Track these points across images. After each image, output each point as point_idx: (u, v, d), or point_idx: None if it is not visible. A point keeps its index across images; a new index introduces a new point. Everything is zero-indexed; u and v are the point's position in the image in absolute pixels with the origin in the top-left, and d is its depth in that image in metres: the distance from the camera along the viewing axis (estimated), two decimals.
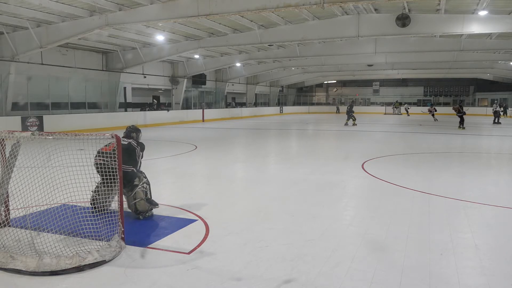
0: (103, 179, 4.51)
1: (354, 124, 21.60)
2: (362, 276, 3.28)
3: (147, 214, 4.82)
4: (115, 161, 4.15)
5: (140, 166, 4.98)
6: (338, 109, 40.84)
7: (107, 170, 4.26)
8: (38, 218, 4.14)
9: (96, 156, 4.57)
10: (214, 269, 3.40)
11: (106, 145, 4.67)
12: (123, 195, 4.46)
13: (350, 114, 22.12)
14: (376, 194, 6.36)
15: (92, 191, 4.52)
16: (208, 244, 3.97)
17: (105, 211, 4.25)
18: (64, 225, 4.00)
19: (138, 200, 4.72)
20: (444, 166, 8.95)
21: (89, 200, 4.68)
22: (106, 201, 4.57)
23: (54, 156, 3.91)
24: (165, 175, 8.01)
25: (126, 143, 4.85)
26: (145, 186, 4.81)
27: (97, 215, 4.23)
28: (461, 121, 20.06)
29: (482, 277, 3.31)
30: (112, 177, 4.20)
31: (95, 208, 4.60)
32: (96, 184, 4.60)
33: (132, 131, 5.14)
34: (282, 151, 12.49)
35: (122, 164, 4.25)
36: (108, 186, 4.46)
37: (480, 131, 18.09)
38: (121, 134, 4.30)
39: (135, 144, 4.94)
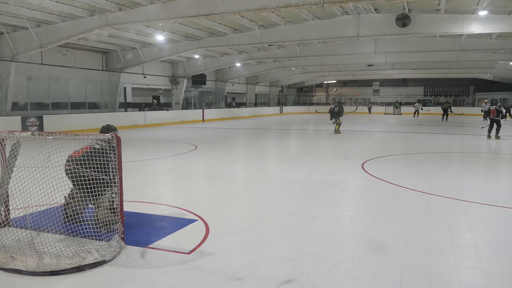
0: (74, 186, 4.18)
1: (336, 131, 17.10)
2: (362, 276, 3.28)
3: (109, 226, 4.03)
4: (84, 167, 3.97)
5: (115, 173, 4.18)
6: (369, 110, 39.09)
7: (75, 177, 4.01)
8: (38, 218, 4.13)
9: (66, 162, 4.14)
10: (214, 269, 3.40)
11: (76, 150, 4.26)
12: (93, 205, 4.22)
13: (337, 116, 17.08)
14: (376, 194, 6.36)
15: (65, 196, 4.24)
16: (208, 244, 3.97)
17: (77, 220, 4.02)
18: (64, 225, 4.00)
19: (100, 208, 4.17)
20: (444, 166, 8.95)
21: (61, 207, 4.30)
22: (78, 209, 4.25)
23: (54, 156, 3.91)
24: (165, 175, 8.01)
25: (98, 146, 4.21)
26: (113, 196, 4.18)
27: (70, 223, 4.01)
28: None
29: (482, 277, 3.31)
30: (82, 184, 3.92)
31: (66, 216, 4.16)
32: (70, 190, 4.28)
33: (107, 131, 4.57)
34: (282, 151, 12.49)
35: (94, 172, 4.04)
36: (78, 194, 4.10)
37: (480, 131, 18.07)
38: (121, 134, 4.29)
39: (108, 148, 4.17)
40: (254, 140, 15.23)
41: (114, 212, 4.07)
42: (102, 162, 4.08)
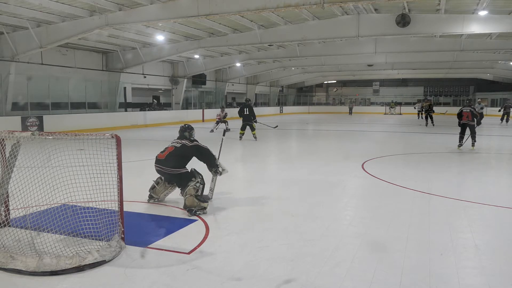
0: (164, 180, 5.35)
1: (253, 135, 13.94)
2: (362, 276, 3.28)
3: (197, 211, 4.90)
4: (168, 166, 5.10)
5: (218, 157, 5.39)
6: (351, 110, 37.83)
7: (163, 174, 5.23)
8: (38, 218, 4.13)
9: (155, 163, 5.30)
10: (214, 269, 3.40)
11: (161, 151, 5.29)
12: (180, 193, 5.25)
13: (249, 120, 13.75)
14: (376, 194, 6.36)
15: (153, 181, 5.44)
16: (208, 244, 3.97)
17: (159, 201, 5.45)
18: (64, 225, 4.00)
19: (187, 196, 4.96)
20: (444, 166, 8.95)
21: (148, 191, 5.48)
22: (159, 193, 5.44)
23: (54, 156, 3.90)
24: None
25: (179, 145, 5.25)
26: (197, 185, 5.06)
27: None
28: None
29: (482, 277, 3.31)
30: (169, 177, 5.20)
31: (150, 196, 5.48)
32: (159, 179, 5.43)
33: (185, 130, 5.42)
34: (282, 151, 12.49)
35: (175, 168, 5.10)
36: (166, 184, 5.40)
37: (479, 132, 18.06)
38: (121, 134, 4.29)
39: (190, 145, 5.24)
40: (254, 140, 15.21)
41: (198, 199, 4.96)
42: (185, 156, 5.22)
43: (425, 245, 3.97)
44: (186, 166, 5.24)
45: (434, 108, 22.83)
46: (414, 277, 3.27)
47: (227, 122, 17.61)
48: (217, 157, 5.40)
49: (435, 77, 41.27)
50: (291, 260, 3.58)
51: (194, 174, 5.20)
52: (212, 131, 17.05)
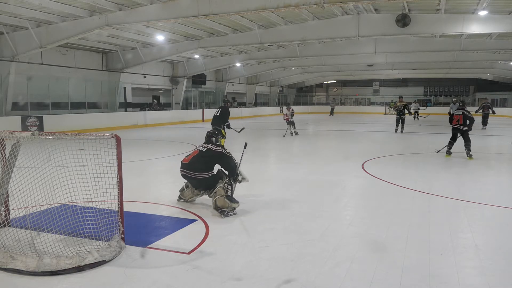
0: (191, 183, 5.33)
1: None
2: (362, 276, 3.28)
3: (228, 212, 4.92)
4: (193, 170, 5.10)
5: (238, 166, 5.38)
6: (332, 111, 34.62)
7: (189, 179, 5.24)
8: (38, 218, 4.13)
9: (180, 168, 5.30)
10: (214, 269, 3.40)
11: (186, 156, 5.35)
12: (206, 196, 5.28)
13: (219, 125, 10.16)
14: (376, 194, 6.36)
15: (185, 183, 5.46)
16: (208, 244, 3.97)
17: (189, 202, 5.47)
18: (64, 225, 4.00)
19: (218, 197, 4.97)
20: (444, 166, 8.95)
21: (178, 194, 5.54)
22: (189, 197, 5.41)
23: (54, 156, 3.91)
24: (165, 175, 8.01)
25: (204, 149, 5.28)
26: (226, 186, 5.11)
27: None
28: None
29: (482, 277, 3.31)
30: (195, 182, 5.21)
31: (180, 198, 5.54)
32: (188, 183, 5.41)
33: (211, 136, 5.51)
34: (282, 151, 12.49)
35: (200, 172, 5.10)
36: (193, 190, 5.36)
37: (479, 132, 18.05)
38: (121, 134, 4.30)
39: (216, 149, 5.26)
40: (254, 140, 15.21)
41: (230, 199, 5.00)
42: (209, 160, 5.23)
43: (425, 245, 3.97)
44: (212, 170, 5.25)
45: (433, 109, 20.15)
46: (414, 277, 3.27)
47: (293, 123, 16.68)
48: (238, 165, 5.41)
49: (435, 77, 41.27)
50: (291, 260, 3.58)
51: (222, 175, 5.22)
52: (292, 134, 16.61)
